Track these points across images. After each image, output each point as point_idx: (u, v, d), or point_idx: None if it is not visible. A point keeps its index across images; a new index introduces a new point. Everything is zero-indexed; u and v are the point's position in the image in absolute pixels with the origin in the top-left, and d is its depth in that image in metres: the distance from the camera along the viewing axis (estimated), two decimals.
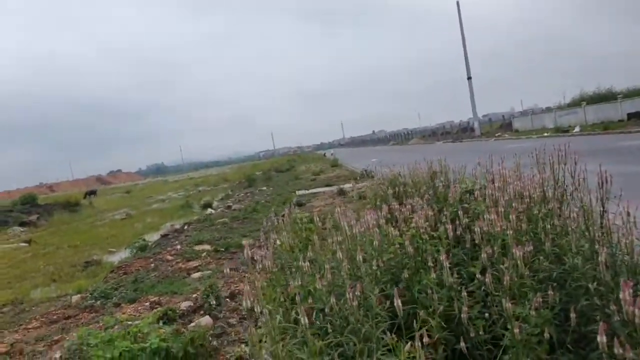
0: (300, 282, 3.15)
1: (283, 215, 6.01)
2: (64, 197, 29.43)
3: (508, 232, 3.13)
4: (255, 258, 3.64)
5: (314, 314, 2.93)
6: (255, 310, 2.51)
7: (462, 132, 59.26)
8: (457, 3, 53.73)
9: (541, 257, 3.36)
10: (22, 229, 17.17)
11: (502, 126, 49.83)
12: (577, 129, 29.26)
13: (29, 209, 22.56)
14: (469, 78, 52.14)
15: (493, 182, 4.66)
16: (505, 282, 2.80)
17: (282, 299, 3.32)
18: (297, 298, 2.83)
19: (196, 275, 7.30)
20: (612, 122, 29.47)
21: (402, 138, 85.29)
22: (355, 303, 2.68)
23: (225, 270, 6.34)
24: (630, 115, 28.90)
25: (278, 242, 4.39)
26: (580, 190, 3.82)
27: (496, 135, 42.08)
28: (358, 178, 17.98)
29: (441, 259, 2.91)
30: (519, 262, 3.04)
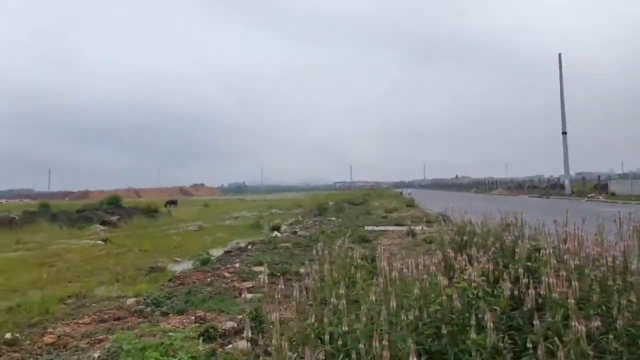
0: (330, 321, 2.98)
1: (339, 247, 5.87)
2: (146, 203, 31.30)
3: (570, 300, 2.76)
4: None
5: (341, 357, 2.74)
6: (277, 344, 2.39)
7: (550, 188, 55.87)
8: (559, 55, 51.65)
9: (611, 336, 2.94)
10: (102, 228, 18.41)
11: (597, 187, 46.21)
12: None
13: (112, 209, 24.24)
14: (564, 133, 49.30)
15: (565, 243, 4.23)
16: (559, 358, 2.45)
17: (312, 335, 3.16)
18: (326, 337, 2.67)
19: (248, 296, 7.30)
20: None
21: (485, 186, 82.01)
22: (384, 353, 2.46)
23: (276, 296, 6.27)
24: None
25: (322, 274, 4.25)
26: None
27: (589, 195, 39.08)
28: (432, 221, 17.45)
29: (486, 318, 2.60)
30: (581, 337, 2.66)
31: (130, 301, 6.78)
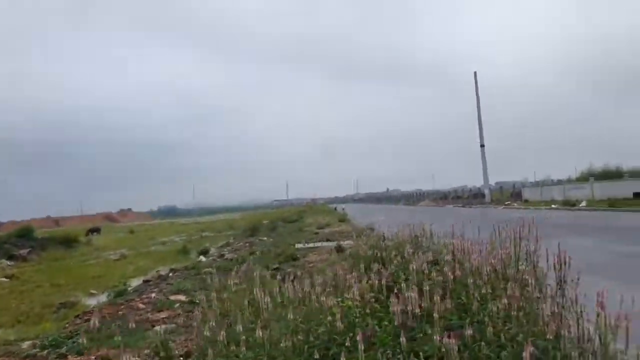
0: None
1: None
2: (64, 233, 29.41)
3: (434, 313, 2.92)
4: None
5: None
6: None
7: (473, 197, 58.90)
8: (475, 73, 55.08)
9: (483, 343, 3.13)
10: (9, 263, 17.03)
11: (513, 195, 49.40)
12: (583, 204, 28.84)
13: (23, 242, 22.51)
14: (482, 146, 52.41)
15: (453, 254, 4.47)
16: None
17: None
18: None
19: (161, 328, 7.03)
20: (618, 199, 29.07)
21: (413, 199, 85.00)
22: None
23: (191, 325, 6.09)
24: (635, 195, 28.52)
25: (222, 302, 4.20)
26: (533, 270, 3.62)
27: (505, 203, 41.67)
28: (359, 235, 17.79)
29: (357, 338, 2.68)
30: (450, 349, 2.81)
31: (27, 344, 6.31)
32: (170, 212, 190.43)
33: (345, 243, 14.45)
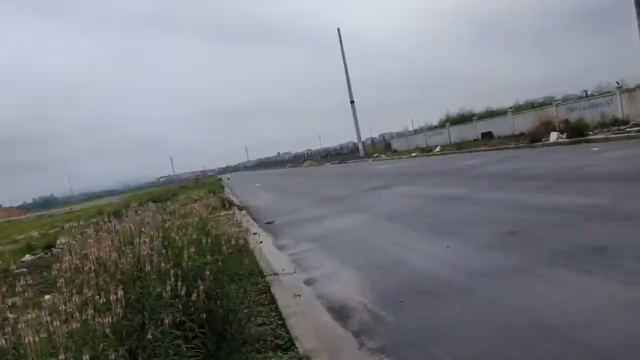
0: None
1: None
2: None
3: None
4: None
5: None
6: None
7: (350, 153, 61.13)
8: (338, 29, 55.88)
9: None
10: None
11: (384, 147, 52.16)
12: (437, 149, 31.32)
13: None
14: (352, 102, 54.02)
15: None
16: None
17: None
18: None
19: None
20: (469, 141, 31.94)
21: (299, 160, 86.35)
22: None
23: None
24: (483, 135, 31.54)
25: None
26: None
27: (374, 156, 43.89)
28: (217, 207, 17.61)
29: None
30: None
31: None
32: (47, 203, 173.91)
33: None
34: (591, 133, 18.57)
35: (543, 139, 19.91)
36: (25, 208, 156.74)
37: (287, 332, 3.67)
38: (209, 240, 3.63)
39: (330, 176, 27.90)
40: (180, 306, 2.52)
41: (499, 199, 8.50)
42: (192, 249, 3.02)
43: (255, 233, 10.45)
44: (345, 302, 4.56)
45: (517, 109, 30.78)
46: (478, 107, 39.16)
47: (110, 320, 2.11)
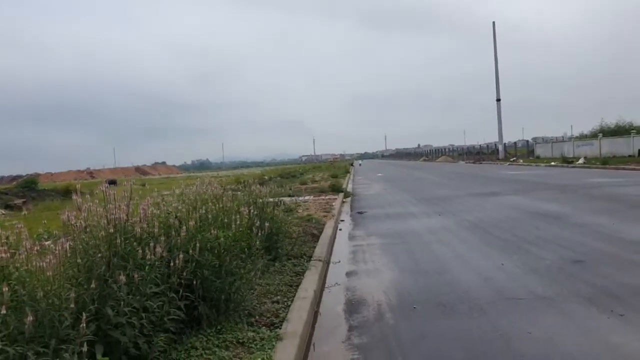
0: None
1: None
2: (65, 185, 30.96)
3: None
4: None
5: None
6: None
7: (491, 154, 58.00)
8: (493, 23, 52.88)
9: None
10: (3, 212, 18.43)
11: (527, 152, 48.40)
12: (581, 161, 28.22)
13: (25, 192, 24.06)
14: (498, 100, 50.99)
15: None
16: None
17: None
18: None
19: None
20: (622, 156, 28.27)
21: (433, 155, 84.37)
22: None
23: None
24: None
25: None
26: None
27: (511, 159, 41.05)
28: (325, 191, 18.44)
29: None
30: None
31: None
32: (202, 166, 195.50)
33: (302, 199, 14.98)
34: None
35: None
36: (184, 168, 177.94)
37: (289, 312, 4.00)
38: (224, 216, 4.07)
39: (453, 175, 26.98)
40: (159, 268, 3.01)
41: (596, 224, 7.67)
42: (192, 223, 3.50)
43: (343, 220, 10.89)
44: (365, 297, 4.72)
45: None
46: None
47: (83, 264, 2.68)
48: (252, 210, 5.04)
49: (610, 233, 6.90)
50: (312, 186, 23.81)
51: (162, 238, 3.23)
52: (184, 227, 3.48)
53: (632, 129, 31.18)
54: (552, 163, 30.55)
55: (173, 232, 3.59)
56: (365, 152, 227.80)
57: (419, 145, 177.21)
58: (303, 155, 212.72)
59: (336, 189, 18.12)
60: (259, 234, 4.34)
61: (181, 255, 3.14)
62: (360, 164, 76.09)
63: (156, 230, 3.46)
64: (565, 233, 7.16)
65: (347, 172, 40.87)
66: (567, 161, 29.69)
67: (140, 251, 2.98)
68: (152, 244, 3.03)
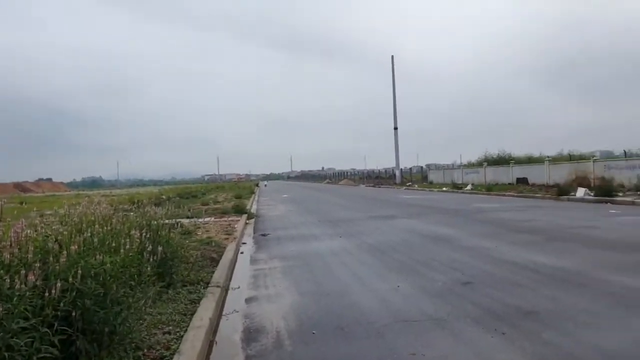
0: None
1: None
2: None
3: None
4: None
5: None
6: None
7: (389, 178, 60.84)
8: (392, 57, 56.09)
9: None
10: None
11: (422, 178, 51.55)
12: (469, 187, 30.63)
13: None
14: (395, 128, 53.83)
15: None
16: None
17: None
18: None
19: None
20: (503, 184, 31.13)
21: (336, 178, 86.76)
22: None
23: None
24: (518, 180, 30.65)
25: None
26: None
27: (407, 184, 43.43)
28: (228, 212, 18.00)
29: None
30: None
31: None
32: (94, 183, 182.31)
33: (201, 220, 14.42)
34: (621, 194, 17.70)
35: (571, 193, 19.15)
36: (73, 185, 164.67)
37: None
38: (112, 240, 3.75)
39: (354, 197, 27.81)
40: (31, 299, 2.66)
41: (482, 247, 8.27)
42: (75, 247, 3.17)
43: (245, 243, 10.65)
44: (264, 324, 4.58)
45: (555, 160, 29.84)
46: (521, 150, 38.27)
47: None
48: (144, 233, 4.71)
49: (494, 255, 7.46)
50: (214, 207, 23.15)
51: (37, 265, 2.86)
52: (65, 252, 3.12)
53: (511, 159, 34.58)
54: (444, 188, 32.75)
55: (51, 258, 3.22)
56: (271, 173, 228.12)
57: (322, 167, 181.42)
58: (206, 175, 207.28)
59: (239, 210, 17.81)
60: (151, 259, 4.04)
61: (59, 284, 2.80)
62: (265, 185, 75.81)
63: (30, 255, 3.09)
64: (456, 255, 7.61)
65: (252, 192, 40.54)
66: (457, 187, 32.01)
67: (8, 280, 2.61)
68: (23, 272, 2.66)
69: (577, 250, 7.59)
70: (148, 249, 4.15)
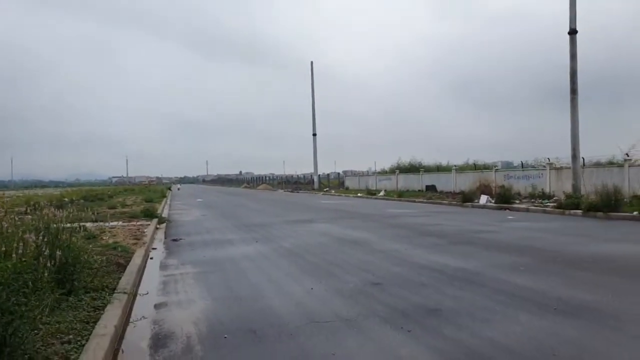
0: None
1: None
2: None
3: None
4: None
5: None
6: None
7: (308, 184, 61.45)
8: (311, 63, 56.82)
9: None
10: None
11: (339, 183, 52.71)
12: (382, 193, 31.87)
13: None
14: (314, 134, 54.50)
15: None
16: None
17: None
18: None
19: None
20: (414, 190, 32.72)
21: (255, 182, 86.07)
22: None
23: None
24: (428, 187, 32.40)
25: None
26: None
27: (325, 189, 44.23)
28: (136, 216, 17.16)
29: None
30: None
31: None
32: None
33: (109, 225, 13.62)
34: (517, 201, 19.37)
35: (475, 200, 20.59)
36: None
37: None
38: (2, 244, 3.46)
39: (272, 202, 27.77)
40: None
41: (393, 249, 8.64)
42: None
43: (155, 248, 10.22)
44: (175, 330, 4.43)
45: (462, 168, 31.93)
46: (431, 158, 40.47)
47: None
48: (42, 237, 4.37)
49: (403, 257, 7.83)
50: (122, 210, 22.05)
51: None
52: None
53: (421, 168, 36.48)
54: (359, 194, 33.78)
55: None
56: (185, 176, 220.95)
57: (240, 172, 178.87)
58: (114, 177, 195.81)
59: (150, 215, 17.05)
60: (49, 264, 3.76)
61: None
62: (178, 188, 73.36)
63: None
64: (367, 257, 7.89)
65: (164, 196, 38.98)
66: (371, 193, 33.14)
67: None
68: None
69: (477, 253, 8.19)
70: (45, 254, 3.85)
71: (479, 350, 3.69)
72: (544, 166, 22.70)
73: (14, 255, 3.28)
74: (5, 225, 4.13)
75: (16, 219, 5.16)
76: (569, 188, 18.39)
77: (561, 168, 21.60)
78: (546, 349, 3.67)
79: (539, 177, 22.52)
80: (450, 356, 3.57)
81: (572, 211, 15.12)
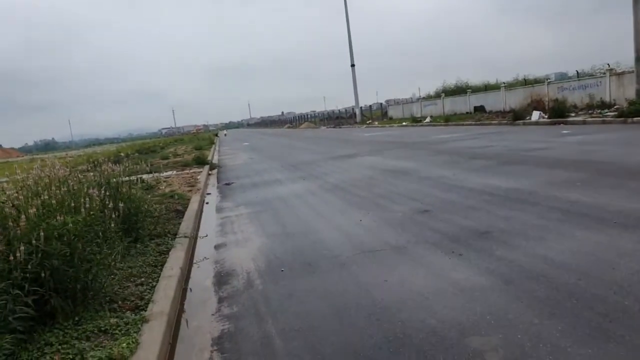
0: None
1: None
2: None
3: None
4: None
5: None
6: None
7: (350, 118, 60.89)
8: None
9: None
10: None
11: (382, 114, 51.86)
12: (427, 120, 31.16)
13: None
14: (352, 65, 53.24)
15: None
16: None
17: None
18: None
19: None
20: (461, 113, 31.74)
21: (297, 121, 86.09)
22: None
23: None
24: (476, 109, 31.28)
25: None
26: None
27: (367, 122, 43.71)
28: (190, 164, 17.80)
29: None
30: None
31: None
32: (48, 147, 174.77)
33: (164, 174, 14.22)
34: (573, 114, 18.45)
35: (526, 118, 19.79)
36: (26, 150, 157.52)
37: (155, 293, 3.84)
38: (71, 200, 3.73)
39: (315, 140, 27.89)
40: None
41: (440, 176, 8.59)
42: (33, 210, 3.15)
43: (209, 193, 10.66)
44: (235, 268, 4.72)
45: (511, 85, 30.43)
46: (479, 79, 38.79)
47: None
48: (104, 191, 4.66)
49: (452, 183, 7.78)
50: (174, 160, 22.84)
51: None
52: (23, 216, 3.09)
53: (468, 88, 35.05)
54: (404, 123, 33.20)
55: (10, 223, 3.19)
56: (230, 122, 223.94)
57: (282, 112, 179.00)
58: (163, 128, 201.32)
59: (201, 162, 17.63)
60: (113, 215, 4.04)
61: (22, 247, 2.80)
62: (225, 134, 74.65)
63: None
64: (414, 186, 7.90)
65: (212, 143, 39.91)
66: (416, 120, 32.51)
67: None
68: None
69: (529, 171, 8.00)
70: (109, 207, 4.13)
71: (533, 268, 3.71)
72: (603, 73, 21.21)
73: (82, 209, 3.54)
74: (71, 183, 4.42)
75: (80, 176, 5.49)
76: (631, 94, 17.22)
77: (623, 73, 20.09)
78: (604, 264, 3.64)
79: (597, 85, 21.12)
80: (503, 277, 3.62)
81: (636, 119, 14.25)
